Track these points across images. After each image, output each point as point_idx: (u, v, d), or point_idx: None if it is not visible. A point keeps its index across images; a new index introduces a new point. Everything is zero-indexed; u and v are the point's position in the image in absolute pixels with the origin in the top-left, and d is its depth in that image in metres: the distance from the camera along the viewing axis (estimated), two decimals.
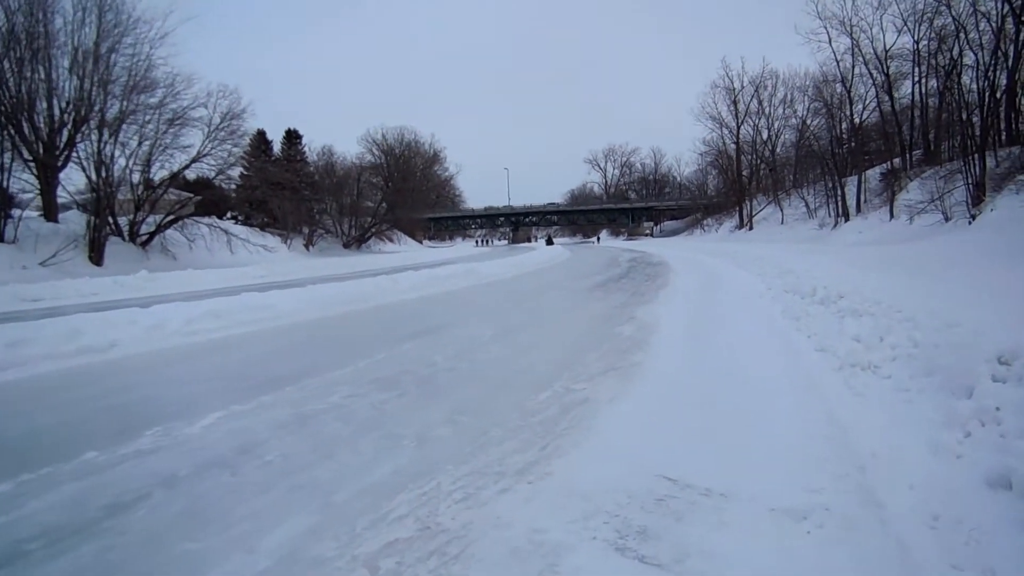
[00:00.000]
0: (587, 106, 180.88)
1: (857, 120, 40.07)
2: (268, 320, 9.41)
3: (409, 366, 6.04)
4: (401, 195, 65.50)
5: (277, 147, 52.07)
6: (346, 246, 53.11)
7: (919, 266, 11.84)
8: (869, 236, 29.53)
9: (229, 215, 43.24)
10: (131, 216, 29.85)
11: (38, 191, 28.44)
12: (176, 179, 32.99)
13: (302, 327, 9.17)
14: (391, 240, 64.01)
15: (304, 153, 53.83)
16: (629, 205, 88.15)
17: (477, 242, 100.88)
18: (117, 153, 28.87)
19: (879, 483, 2.99)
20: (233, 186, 41.17)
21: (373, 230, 57.08)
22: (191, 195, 34.82)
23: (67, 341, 7.04)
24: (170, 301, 10.46)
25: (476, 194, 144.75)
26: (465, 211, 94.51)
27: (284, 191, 44.01)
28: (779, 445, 3.57)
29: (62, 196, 29.29)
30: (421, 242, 76.91)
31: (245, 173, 42.25)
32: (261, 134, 48.92)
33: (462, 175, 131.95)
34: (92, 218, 26.79)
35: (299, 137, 53.32)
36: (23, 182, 27.98)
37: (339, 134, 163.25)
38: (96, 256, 26.52)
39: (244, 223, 42.54)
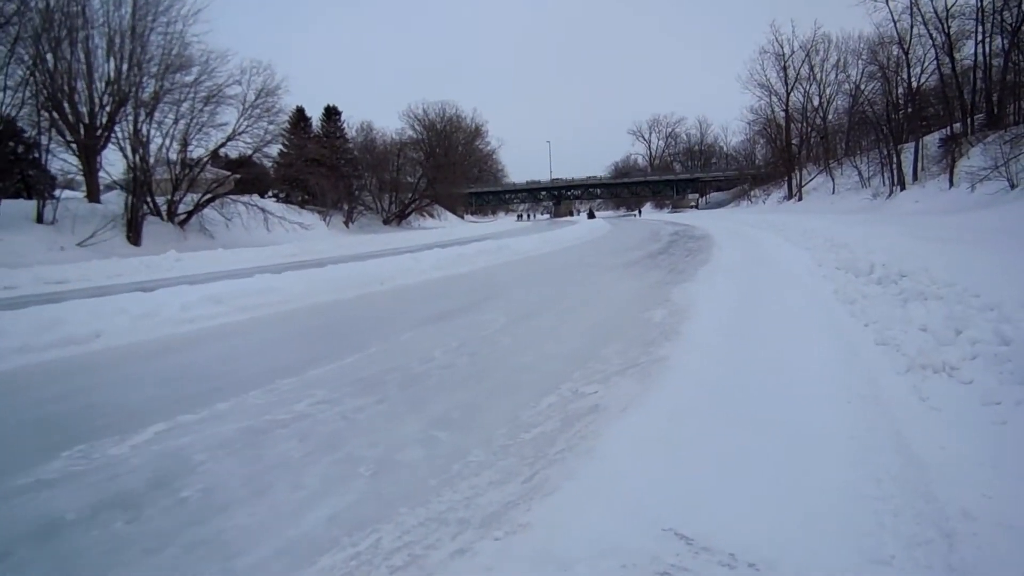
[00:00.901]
0: (631, 76, 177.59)
1: (915, 84, 37.93)
2: (273, 305, 8.77)
3: (403, 361, 5.31)
4: (442, 170, 64.74)
5: (317, 125, 51.63)
6: (386, 222, 52.76)
7: (989, 239, 10.71)
8: (927, 205, 28.06)
9: (271, 193, 43.13)
10: (168, 196, 29.73)
11: (80, 171, 28.66)
12: (213, 158, 32.96)
13: (306, 313, 8.51)
14: (432, 216, 63.42)
15: (343, 129, 53.36)
16: (674, 177, 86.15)
17: (519, 216, 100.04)
18: (154, 132, 28.89)
19: (979, 563, 2.12)
20: (272, 164, 40.99)
21: (413, 206, 56.51)
22: (229, 173, 34.62)
23: (45, 332, 6.49)
24: (188, 283, 10.09)
25: (519, 168, 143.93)
26: (507, 186, 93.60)
27: (322, 168, 43.66)
28: (832, 486, 2.72)
29: (105, 177, 29.45)
30: (463, 217, 76.22)
31: (284, 151, 41.87)
32: (300, 111, 48.70)
33: (505, 149, 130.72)
34: (129, 198, 26.71)
35: (338, 113, 52.90)
36: (66, 163, 28.67)
37: (379, 111, 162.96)
38: (134, 236, 26.50)
39: (284, 201, 42.33)
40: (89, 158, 28.30)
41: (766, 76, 56.63)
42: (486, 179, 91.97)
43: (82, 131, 27.69)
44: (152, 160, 28.61)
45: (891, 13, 36.56)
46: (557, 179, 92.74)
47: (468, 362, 5.28)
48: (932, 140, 35.64)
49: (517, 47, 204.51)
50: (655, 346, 5.56)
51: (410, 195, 55.74)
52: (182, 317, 7.61)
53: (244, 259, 19.59)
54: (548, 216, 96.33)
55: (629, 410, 3.87)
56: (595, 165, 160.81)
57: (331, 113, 52.53)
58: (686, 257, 14.93)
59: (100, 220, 24.93)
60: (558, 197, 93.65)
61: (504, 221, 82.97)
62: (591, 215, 72.87)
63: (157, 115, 28.62)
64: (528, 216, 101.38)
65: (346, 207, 47.31)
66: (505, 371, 4.98)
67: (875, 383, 4.08)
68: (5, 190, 26.57)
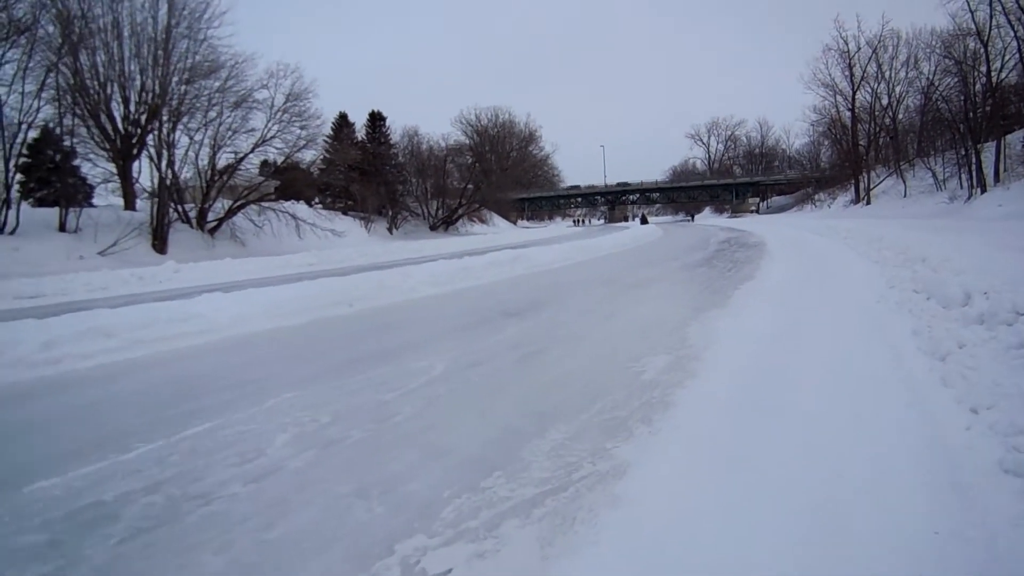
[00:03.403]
0: (689, 78, 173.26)
1: (995, 79, 34.56)
2: (184, 337, 6.94)
3: (195, 464, 3.35)
4: (490, 175, 63.02)
5: (361, 130, 50.36)
6: (433, 228, 51.36)
7: None
8: (1012, 209, 25.20)
9: (316, 200, 42.03)
10: (198, 203, 28.77)
11: (114, 175, 28.22)
12: (259, 165, 32.30)
13: (212, 350, 6.63)
14: (482, 221, 61.31)
15: (388, 135, 52.00)
16: (733, 180, 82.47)
17: (574, 222, 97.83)
18: (183, 139, 28.20)
19: None
20: (316, 171, 39.86)
21: (460, 212, 54.81)
22: (263, 179, 33.55)
23: None
24: (165, 299, 8.83)
25: (576, 173, 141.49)
26: (560, 190, 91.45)
27: (364, 174, 42.47)
28: None
29: (144, 185, 28.79)
30: (515, 223, 74.19)
31: (327, 156, 40.79)
32: (343, 117, 47.79)
33: (561, 155, 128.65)
34: (154, 204, 25.78)
35: (383, 119, 51.49)
36: (106, 171, 28.10)
37: (429, 118, 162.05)
38: (160, 244, 25.56)
39: (329, 207, 41.23)
40: (125, 165, 27.67)
41: (830, 75, 53.52)
42: (541, 184, 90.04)
43: (119, 141, 27.08)
44: (178, 166, 27.74)
45: (968, 3, 33.37)
46: (610, 184, 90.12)
47: (296, 471, 3.23)
48: (1016, 139, 32.59)
49: (573, 52, 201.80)
50: (621, 437, 3.51)
51: (458, 201, 54.03)
52: (34, 359, 5.85)
53: (247, 270, 18.08)
54: (603, 221, 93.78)
55: None
56: (653, 170, 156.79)
57: (375, 119, 51.19)
58: (728, 271, 12.71)
59: (125, 228, 24.00)
60: (612, 202, 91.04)
61: (557, 227, 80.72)
62: (644, 221, 70.07)
63: (188, 121, 27.96)
64: (582, 222, 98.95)
65: (389, 213, 45.98)
66: (326, 503, 2.90)
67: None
68: (44, 199, 26.14)
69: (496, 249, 18.77)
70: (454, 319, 8.33)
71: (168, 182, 26.46)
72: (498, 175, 67.71)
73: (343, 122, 47.80)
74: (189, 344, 6.85)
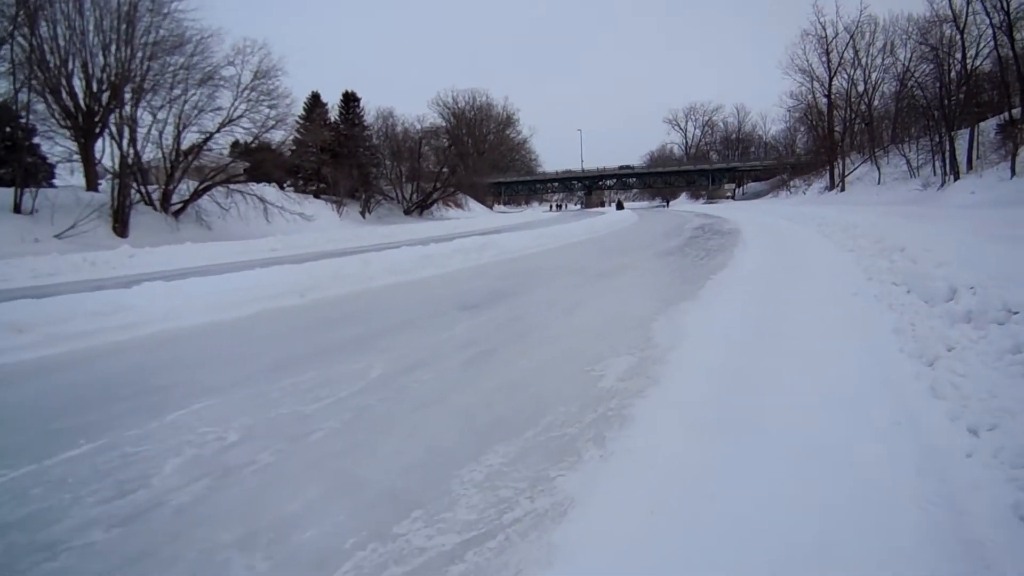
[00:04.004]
0: (667, 63, 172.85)
1: (970, 66, 34.67)
2: (105, 333, 6.31)
3: (67, 495, 2.82)
4: (466, 159, 62.12)
5: (335, 111, 49.10)
6: (407, 212, 50.40)
7: None
8: (985, 196, 25.29)
9: (288, 183, 40.97)
10: (162, 185, 27.78)
11: (75, 154, 27.24)
12: (231, 146, 31.58)
13: (130, 349, 5.99)
14: (457, 206, 60.32)
15: (361, 116, 50.80)
16: (709, 166, 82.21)
17: (551, 207, 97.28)
18: (147, 117, 27.01)
19: None
20: (287, 152, 38.82)
21: (435, 196, 53.88)
22: (231, 160, 32.53)
23: None
24: (119, 287, 8.21)
25: (554, 158, 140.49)
26: (537, 175, 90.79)
27: (337, 156, 41.51)
28: None
29: (107, 165, 27.75)
30: (492, 208, 73.41)
31: (299, 137, 39.73)
32: (315, 97, 46.50)
33: (539, 139, 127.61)
34: (115, 185, 24.77)
35: (356, 100, 50.19)
36: (68, 150, 27.17)
37: (405, 101, 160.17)
38: (121, 227, 24.53)
39: (299, 190, 40.24)
40: (87, 144, 26.69)
41: (807, 60, 53.47)
42: (518, 168, 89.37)
43: (80, 117, 26.05)
44: (141, 144, 26.70)
45: None
46: (589, 169, 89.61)
47: (177, 509, 2.69)
48: (989, 126, 32.83)
49: (552, 37, 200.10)
50: (568, 463, 3.03)
51: (433, 184, 53.07)
52: None
53: (206, 255, 17.31)
54: (579, 207, 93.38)
55: None
56: (630, 155, 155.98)
57: (349, 99, 49.88)
58: (701, 260, 12.33)
59: (84, 210, 23.02)
60: (589, 187, 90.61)
61: (534, 211, 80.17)
62: (620, 206, 69.86)
63: (152, 99, 26.85)
64: (559, 207, 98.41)
65: (362, 196, 45.04)
66: (198, 557, 2.38)
67: None
68: (2, 179, 25.05)
69: (468, 235, 18.25)
70: (407, 311, 7.80)
71: (130, 162, 25.44)
72: (475, 159, 66.93)
73: (315, 102, 46.50)
74: (108, 341, 6.25)
